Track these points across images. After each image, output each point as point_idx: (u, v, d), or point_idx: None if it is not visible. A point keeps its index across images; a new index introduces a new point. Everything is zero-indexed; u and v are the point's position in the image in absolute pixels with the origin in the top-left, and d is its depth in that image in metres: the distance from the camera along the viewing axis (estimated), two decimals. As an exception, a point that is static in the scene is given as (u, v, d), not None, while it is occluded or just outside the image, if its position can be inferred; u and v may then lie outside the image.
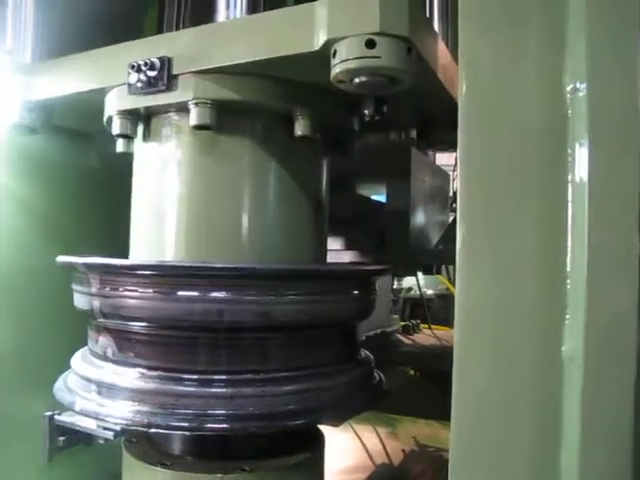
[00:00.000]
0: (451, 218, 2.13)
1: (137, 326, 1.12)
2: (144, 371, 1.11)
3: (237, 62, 1.08)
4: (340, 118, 1.27)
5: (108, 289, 1.11)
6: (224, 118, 1.15)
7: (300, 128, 1.17)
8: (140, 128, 1.25)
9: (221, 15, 1.25)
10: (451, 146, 1.62)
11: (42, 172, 1.58)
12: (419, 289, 2.46)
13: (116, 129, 1.22)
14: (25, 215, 1.56)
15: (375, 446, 2.26)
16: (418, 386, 2.31)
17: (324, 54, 0.99)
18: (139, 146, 1.27)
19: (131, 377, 1.10)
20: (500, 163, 0.76)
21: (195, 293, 1.07)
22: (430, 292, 3.57)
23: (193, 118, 1.12)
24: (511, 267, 0.71)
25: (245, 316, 1.08)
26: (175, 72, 1.13)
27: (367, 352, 1.35)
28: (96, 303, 1.12)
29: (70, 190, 1.66)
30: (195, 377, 1.10)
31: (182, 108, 1.16)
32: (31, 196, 1.57)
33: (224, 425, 1.07)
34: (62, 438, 1.59)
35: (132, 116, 1.22)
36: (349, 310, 1.21)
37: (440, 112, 1.35)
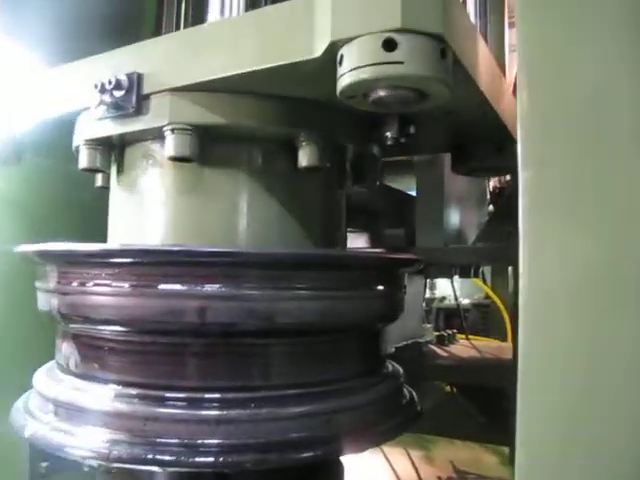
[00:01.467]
0: (489, 211, 1.89)
1: (105, 330, 0.91)
2: (113, 387, 0.90)
3: (218, 76, 0.85)
4: (356, 143, 1.05)
5: (67, 283, 0.90)
6: (209, 147, 0.94)
7: (305, 157, 0.94)
8: (113, 160, 1.05)
9: (212, 15, 1.02)
10: (494, 173, 1.37)
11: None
12: (454, 295, 2.21)
13: (82, 162, 1.01)
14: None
15: (407, 471, 2.01)
16: (456, 404, 2.06)
17: (328, 61, 0.76)
18: (113, 182, 1.07)
19: (96, 395, 0.89)
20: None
21: (177, 287, 0.86)
22: (466, 302, 3.30)
23: (169, 148, 0.91)
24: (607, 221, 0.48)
25: (243, 316, 0.86)
26: (146, 91, 0.91)
27: (395, 364, 1.12)
28: (54, 302, 0.92)
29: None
30: (180, 395, 0.89)
31: (159, 136, 0.94)
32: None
33: (214, 459, 0.85)
34: (44, 464, 1.40)
35: (102, 146, 1.01)
36: (373, 309, 0.98)
37: (482, 132, 1.11)
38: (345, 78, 0.73)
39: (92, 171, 1.04)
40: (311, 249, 1.00)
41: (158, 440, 0.85)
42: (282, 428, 0.88)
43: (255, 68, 0.81)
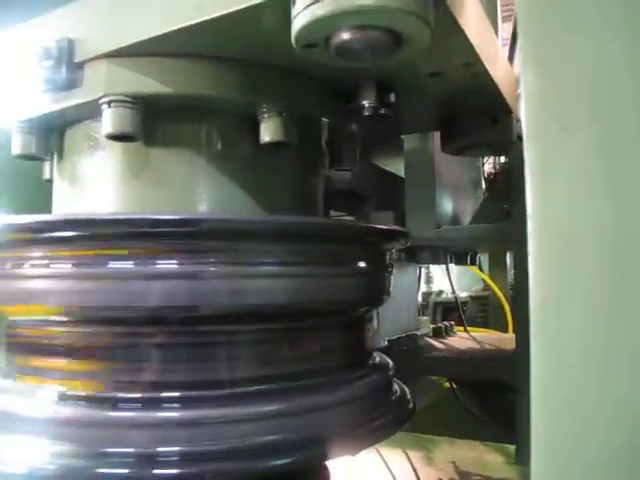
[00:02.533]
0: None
1: (41, 322, 0.78)
2: (55, 389, 0.77)
3: (156, 34, 0.72)
4: (328, 115, 0.92)
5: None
6: (156, 124, 0.82)
7: (268, 131, 0.82)
8: (53, 145, 0.92)
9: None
10: (488, 150, 1.23)
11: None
12: (451, 285, 2.09)
13: (16, 148, 0.88)
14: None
15: (406, 474, 1.88)
16: (456, 400, 1.94)
17: (280, 6, 0.63)
18: (54, 170, 0.95)
19: (35, 399, 0.76)
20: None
21: (123, 265, 0.73)
22: (464, 294, 3.18)
23: (107, 124, 0.78)
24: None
25: (206, 299, 0.74)
26: (79, 59, 0.79)
27: (384, 357, 0.99)
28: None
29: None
30: (135, 396, 0.77)
31: (100, 112, 0.81)
32: None
33: (176, 470, 0.73)
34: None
35: (38, 129, 0.89)
36: (356, 288, 0.85)
37: (474, 102, 0.98)
38: (299, 19, 0.60)
39: (28, 158, 0.91)
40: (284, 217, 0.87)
41: (109, 450, 0.73)
42: (253, 430, 0.76)
43: (195, 21, 0.69)
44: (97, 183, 0.87)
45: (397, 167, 1.58)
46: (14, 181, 1.28)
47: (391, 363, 0.96)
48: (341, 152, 0.98)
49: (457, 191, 1.66)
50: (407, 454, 2.01)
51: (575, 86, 0.38)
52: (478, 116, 1.04)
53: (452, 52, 0.75)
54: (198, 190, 0.85)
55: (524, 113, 0.39)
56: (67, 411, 0.76)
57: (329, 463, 0.98)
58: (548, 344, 0.39)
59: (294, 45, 0.62)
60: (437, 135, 1.46)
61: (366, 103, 0.81)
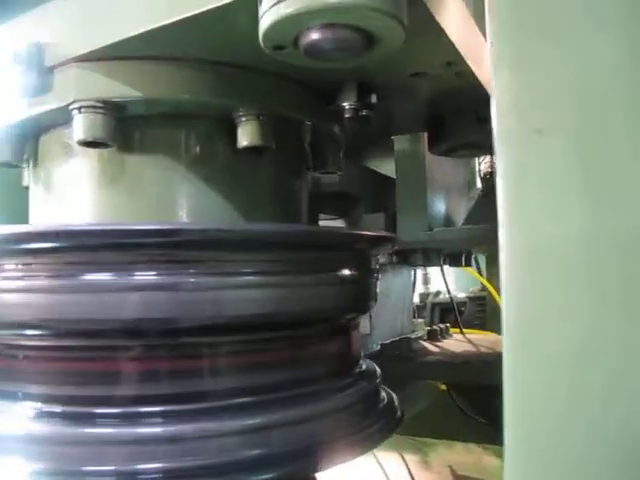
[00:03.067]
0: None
1: (15, 335, 0.76)
2: (30, 405, 0.75)
3: (125, 36, 0.70)
4: (308, 118, 0.90)
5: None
6: (131, 130, 0.80)
7: (245, 135, 0.80)
8: (28, 153, 0.90)
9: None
10: (476, 151, 1.21)
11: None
12: (446, 286, 2.06)
13: None
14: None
15: (402, 478, 1.86)
16: (452, 403, 1.92)
17: (250, 5, 0.61)
18: (31, 178, 0.93)
19: (8, 415, 0.74)
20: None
21: (105, 276, 0.71)
22: (462, 295, 3.15)
23: (78, 130, 0.76)
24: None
25: (182, 310, 0.72)
26: (49, 64, 0.77)
27: (371, 363, 0.97)
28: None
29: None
30: (114, 410, 0.74)
31: (71, 118, 0.79)
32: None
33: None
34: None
35: (13, 137, 0.88)
36: (341, 296, 0.83)
37: (459, 101, 0.96)
38: (265, 19, 0.58)
39: (5, 165, 0.90)
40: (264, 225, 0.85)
41: (87, 468, 0.70)
42: (237, 444, 0.74)
43: (166, 22, 0.66)
44: (72, 191, 0.85)
45: (388, 168, 1.56)
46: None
47: (378, 370, 0.94)
48: (324, 155, 0.96)
49: (450, 192, 1.63)
50: (404, 457, 1.99)
51: (550, 88, 0.36)
52: (465, 116, 1.01)
53: (433, 51, 0.73)
54: (176, 196, 0.83)
55: (495, 116, 0.37)
56: (43, 428, 0.73)
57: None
58: (521, 364, 0.36)
59: (263, 46, 0.60)
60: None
61: (347, 105, 0.79)
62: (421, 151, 1.43)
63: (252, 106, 0.78)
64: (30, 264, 0.73)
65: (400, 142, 1.46)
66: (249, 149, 0.79)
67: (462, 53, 0.75)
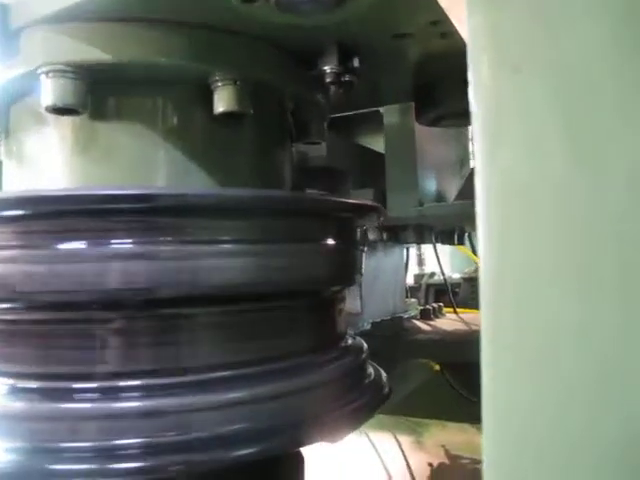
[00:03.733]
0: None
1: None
2: (4, 381, 0.73)
3: None
4: (286, 83, 0.87)
5: None
6: (103, 95, 0.77)
7: (221, 101, 0.77)
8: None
9: None
10: (465, 119, 1.17)
11: None
12: (439, 266, 2.04)
13: None
14: None
15: (395, 459, 1.86)
16: (445, 383, 1.91)
17: None
18: (2, 149, 0.90)
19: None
20: None
21: (80, 244, 0.68)
22: (456, 276, 3.13)
23: (47, 95, 0.73)
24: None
25: (162, 280, 0.69)
26: (14, 25, 0.73)
27: (358, 338, 0.95)
28: None
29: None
30: (93, 385, 0.72)
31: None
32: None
33: (139, 464, 0.68)
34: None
35: None
36: (323, 267, 0.80)
37: (446, 64, 0.93)
38: None
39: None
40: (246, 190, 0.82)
41: (65, 445, 0.68)
42: (218, 419, 0.72)
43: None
44: (44, 161, 0.82)
45: (378, 145, 1.53)
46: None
47: (365, 346, 0.92)
48: (308, 124, 0.93)
49: (441, 169, 1.60)
50: (397, 438, 1.98)
51: (527, 21, 0.33)
52: (453, 83, 0.98)
53: (415, 9, 0.70)
54: (151, 165, 0.80)
55: (470, 54, 0.34)
56: (18, 405, 0.71)
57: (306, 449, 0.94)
58: (499, 329, 0.34)
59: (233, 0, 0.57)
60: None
61: (327, 69, 0.76)
62: (411, 125, 1.40)
63: (228, 71, 0.76)
64: (1, 232, 0.70)
65: (389, 116, 1.43)
66: (226, 116, 0.76)
67: (444, 8, 0.72)
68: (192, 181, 0.80)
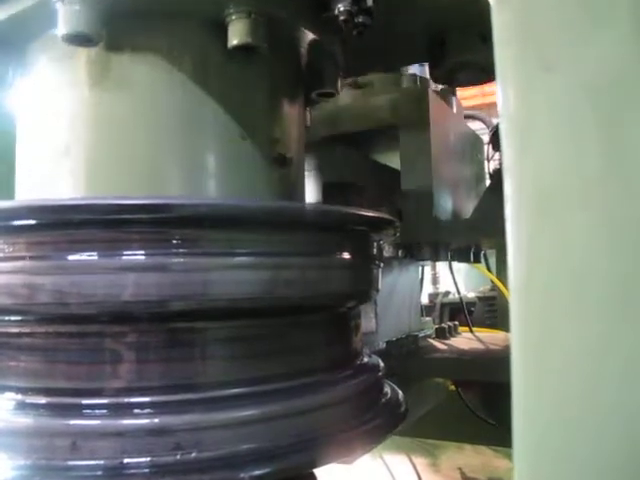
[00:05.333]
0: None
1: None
2: (12, 396, 0.71)
3: None
4: (300, 21, 0.86)
5: None
6: (118, 29, 0.77)
7: (235, 34, 0.77)
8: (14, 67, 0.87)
9: None
10: (484, 73, 1.14)
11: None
12: (455, 284, 2.01)
13: None
14: None
15: (411, 482, 1.81)
16: (461, 403, 1.87)
17: None
18: (18, 93, 0.90)
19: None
20: None
21: (92, 256, 0.67)
22: (471, 295, 3.09)
23: (61, 23, 0.73)
24: None
25: (174, 292, 0.68)
26: None
27: (374, 357, 0.92)
28: None
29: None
30: (102, 401, 0.70)
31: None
32: None
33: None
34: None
35: None
36: (339, 282, 0.78)
37: (462, 16, 0.93)
38: None
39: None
40: (262, 202, 0.81)
41: (73, 463, 0.67)
42: (232, 437, 0.70)
43: None
44: (59, 98, 0.82)
45: (395, 162, 1.52)
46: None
47: (381, 364, 0.89)
48: (322, 73, 0.94)
49: (457, 186, 1.59)
50: (412, 460, 1.94)
51: (559, 21, 0.32)
52: (468, 34, 0.97)
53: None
54: (164, 100, 0.80)
55: (498, 53, 0.33)
56: (26, 421, 0.70)
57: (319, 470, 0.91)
58: (532, 326, 0.32)
59: None
60: (433, 123, 1.40)
61: (341, 6, 0.76)
62: (427, 143, 1.39)
63: (243, 3, 0.76)
64: (12, 243, 0.69)
65: (406, 133, 1.42)
66: (240, 49, 0.76)
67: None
68: (206, 118, 0.80)
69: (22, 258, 0.68)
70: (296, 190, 0.93)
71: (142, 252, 0.68)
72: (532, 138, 0.31)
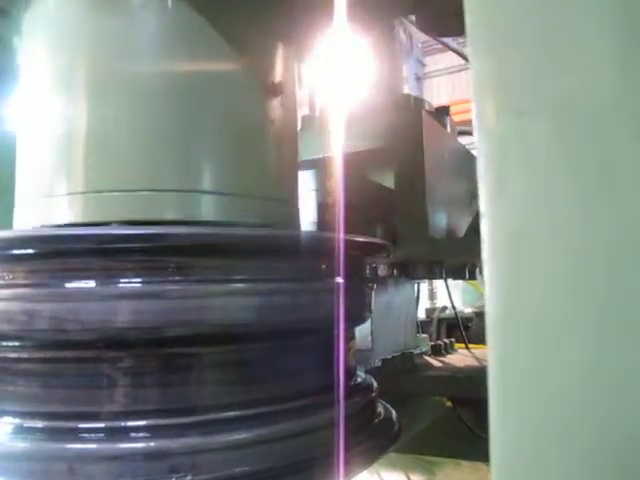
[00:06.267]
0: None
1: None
2: (9, 420, 0.72)
3: None
4: None
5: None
6: None
7: None
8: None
9: None
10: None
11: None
12: (450, 300, 2.02)
13: None
14: None
15: (408, 499, 1.81)
16: (458, 420, 1.87)
17: None
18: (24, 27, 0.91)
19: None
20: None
21: (89, 284, 0.69)
22: (468, 310, 3.10)
23: None
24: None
25: (169, 318, 0.69)
26: None
27: (368, 377, 0.94)
28: None
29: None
30: (100, 425, 0.71)
31: None
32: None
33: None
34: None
35: None
36: (332, 306, 0.79)
37: None
38: None
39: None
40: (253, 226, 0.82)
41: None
42: (226, 460, 0.71)
43: None
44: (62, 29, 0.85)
45: (389, 181, 1.53)
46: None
47: (375, 384, 0.91)
48: None
49: (452, 204, 1.60)
50: (409, 477, 1.93)
51: (530, 69, 0.33)
52: None
53: None
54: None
55: (476, 100, 0.34)
56: (23, 445, 0.71)
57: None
58: (504, 355, 0.34)
59: None
60: (428, 141, 1.42)
61: None
62: (420, 160, 1.40)
63: None
64: (11, 271, 0.71)
65: (400, 154, 1.44)
66: None
67: None
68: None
69: (21, 286, 0.70)
70: (289, 120, 0.95)
71: (138, 280, 0.70)
72: (506, 182, 0.32)
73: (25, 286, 0.71)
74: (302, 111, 1.61)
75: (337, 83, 1.80)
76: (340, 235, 0.77)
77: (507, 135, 0.33)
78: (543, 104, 0.32)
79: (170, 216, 0.81)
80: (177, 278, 0.71)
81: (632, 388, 0.33)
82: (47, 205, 0.84)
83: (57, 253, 0.70)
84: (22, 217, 0.88)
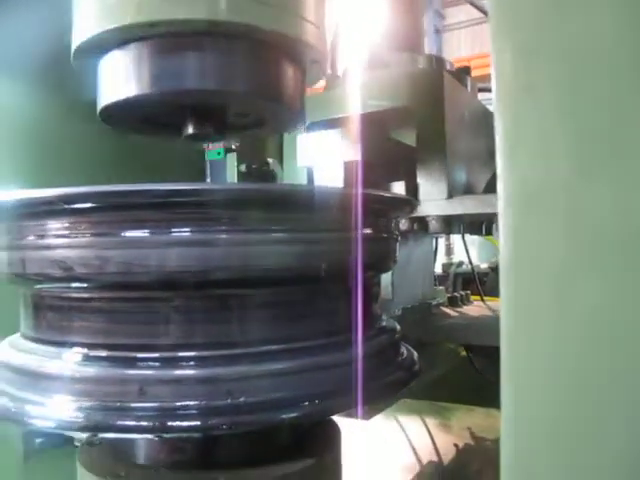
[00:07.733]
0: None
1: (64, 288, 0.83)
2: (79, 350, 0.82)
3: None
4: None
5: (17, 238, 0.82)
6: None
7: None
8: None
9: None
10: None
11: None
12: (467, 255, 2.10)
13: None
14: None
15: (423, 440, 1.93)
16: (472, 368, 1.97)
17: None
18: None
19: (61, 360, 0.82)
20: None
21: (144, 233, 0.78)
22: (484, 265, 3.18)
23: None
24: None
25: (215, 263, 0.78)
26: None
27: (392, 320, 1.03)
28: (6, 259, 0.84)
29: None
30: (154, 355, 0.81)
31: None
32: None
33: (195, 422, 0.78)
34: (39, 440, 1.35)
35: None
36: (363, 254, 0.88)
37: None
38: None
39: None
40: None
41: (133, 405, 0.78)
42: (266, 386, 0.81)
43: None
44: None
45: (410, 138, 1.59)
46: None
47: (398, 327, 1.00)
48: None
49: (471, 161, 1.66)
50: (424, 421, 2.05)
51: (538, 47, 0.40)
52: None
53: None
54: None
55: (495, 79, 0.42)
56: (92, 371, 0.81)
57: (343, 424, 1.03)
58: (515, 302, 0.42)
59: None
60: (449, 101, 1.48)
61: None
62: (441, 118, 1.46)
63: None
64: (77, 222, 0.80)
65: (422, 112, 1.50)
66: None
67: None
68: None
69: (87, 235, 0.79)
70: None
71: (187, 229, 0.79)
72: (518, 149, 0.40)
73: (90, 235, 0.79)
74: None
75: (357, 37, 1.84)
76: (370, 191, 0.84)
77: (520, 107, 0.40)
78: (549, 82, 0.39)
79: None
80: (222, 227, 0.79)
81: None
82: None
83: (117, 206, 0.79)
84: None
